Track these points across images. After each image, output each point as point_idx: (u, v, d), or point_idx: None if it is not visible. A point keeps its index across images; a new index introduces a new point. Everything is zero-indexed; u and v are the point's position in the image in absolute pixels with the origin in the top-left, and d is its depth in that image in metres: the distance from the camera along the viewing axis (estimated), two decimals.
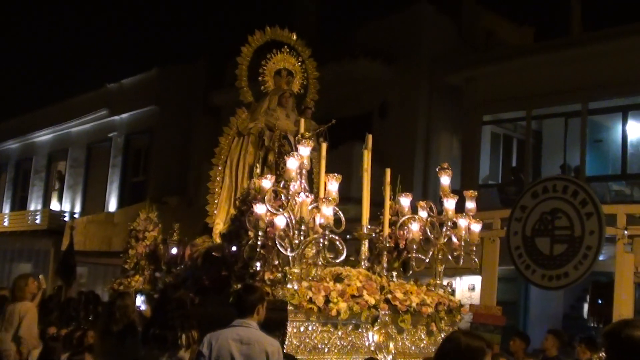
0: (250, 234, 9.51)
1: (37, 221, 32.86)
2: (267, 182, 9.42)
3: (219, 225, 11.66)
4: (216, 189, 12.10)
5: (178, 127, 29.12)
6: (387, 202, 10.52)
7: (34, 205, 36.18)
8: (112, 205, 30.82)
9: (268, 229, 9.21)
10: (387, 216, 10.46)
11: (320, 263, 9.62)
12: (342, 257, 9.51)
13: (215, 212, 11.96)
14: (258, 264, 9.63)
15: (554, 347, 12.75)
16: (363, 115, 23.67)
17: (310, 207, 9.30)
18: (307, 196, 9.14)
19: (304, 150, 9.62)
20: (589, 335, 15.57)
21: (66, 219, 31.84)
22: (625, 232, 14.50)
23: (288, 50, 12.62)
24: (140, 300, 12.54)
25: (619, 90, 20.04)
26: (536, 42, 25.31)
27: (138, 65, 31.10)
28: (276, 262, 9.60)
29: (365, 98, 23.86)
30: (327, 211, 9.17)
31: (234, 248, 9.98)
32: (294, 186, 9.35)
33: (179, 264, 11.55)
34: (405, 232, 10.34)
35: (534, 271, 14.56)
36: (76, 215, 31.95)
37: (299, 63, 12.69)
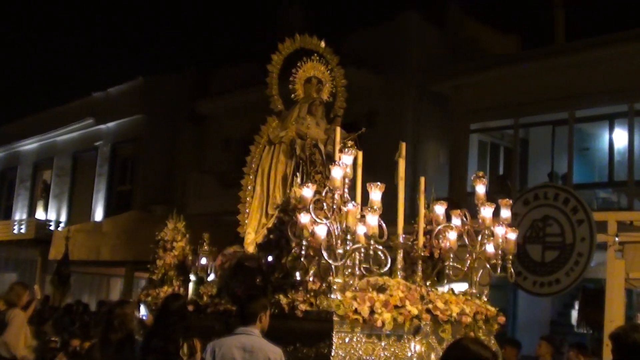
0: (292, 243, 9.01)
1: (23, 230, 32.09)
2: (308, 191, 8.99)
3: (250, 234, 11.24)
4: (247, 198, 11.61)
5: (164, 136, 28.62)
6: (422, 210, 10.19)
7: (19, 214, 35.49)
8: (99, 214, 30.22)
9: (309, 239, 8.72)
10: (421, 225, 10.09)
11: (358, 273, 9.17)
12: (387, 268, 9.08)
13: (246, 221, 11.46)
14: (297, 274, 9.17)
15: (548, 354, 12.71)
16: (350, 123, 23.23)
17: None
18: (354, 205, 8.69)
19: (347, 158, 9.20)
20: (579, 341, 15.95)
21: (52, 228, 31.04)
22: (616, 238, 14.18)
23: (318, 58, 12.09)
24: (143, 310, 12.28)
25: (606, 98, 20.01)
26: (522, 50, 25.12)
27: (124, 74, 30.41)
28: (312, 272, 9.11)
29: (352, 107, 23.38)
30: (372, 220, 8.80)
31: (270, 258, 9.50)
32: (338, 195, 8.90)
33: (208, 274, 11.06)
34: (440, 241, 9.93)
35: (525, 278, 14.31)
36: (62, 225, 31.19)
37: (328, 71, 12.17)
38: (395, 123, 22.83)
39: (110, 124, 30.80)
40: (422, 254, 10.09)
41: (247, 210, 11.59)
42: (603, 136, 21.62)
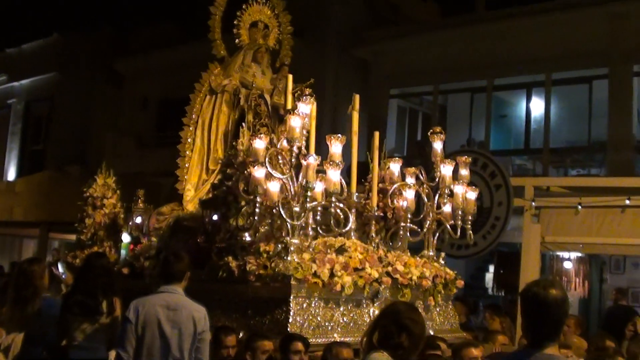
0: (242, 201, 7.72)
1: None
2: (260, 143, 7.69)
3: (190, 191, 9.83)
4: (187, 152, 10.16)
5: (80, 95, 26.73)
6: (376, 167, 9.02)
7: None
8: (11, 173, 28.20)
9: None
10: (375, 182, 8.90)
11: (311, 233, 7.94)
12: (348, 228, 7.87)
13: (185, 177, 10.01)
14: (247, 234, 7.88)
15: (462, 314, 11.98)
16: None
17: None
18: (314, 159, 7.43)
19: (305, 107, 7.90)
20: (493, 302, 15.86)
21: None
22: (533, 203, 14.00)
23: (264, 1, 10.67)
24: (61, 268, 11.30)
25: (524, 67, 19.38)
26: (442, 18, 24.26)
27: (39, 30, 28.13)
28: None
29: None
30: (334, 176, 7.57)
31: (215, 216, 8.17)
32: (297, 147, 7.62)
33: (144, 234, 9.62)
34: (394, 201, 8.75)
35: (443, 240, 13.50)
36: None
37: (274, 16, 10.77)
38: (316, 87, 21.46)
39: (24, 82, 28.61)
40: (376, 214, 8.84)
41: (186, 165, 10.13)
42: (520, 104, 21.09)
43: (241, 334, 7.52)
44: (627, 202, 13.77)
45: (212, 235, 8.34)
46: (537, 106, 20.04)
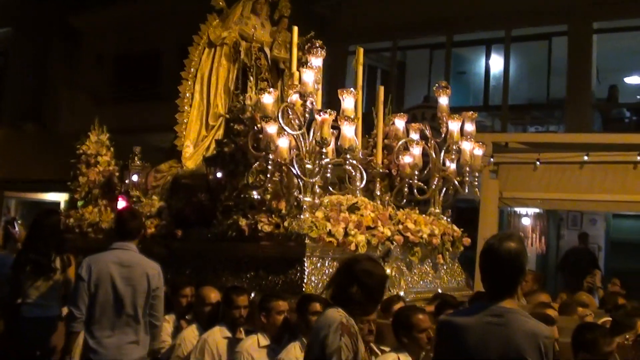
0: (251, 157, 7.23)
1: None
2: (269, 98, 7.19)
3: (189, 148, 9.23)
4: (185, 107, 9.52)
5: (35, 51, 25.51)
6: (381, 123, 8.54)
7: None
8: None
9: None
10: (380, 139, 8.45)
11: (318, 191, 7.48)
12: (362, 185, 7.42)
13: (184, 133, 9.40)
14: (255, 192, 7.38)
15: None
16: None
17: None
18: (329, 113, 6.94)
19: (317, 61, 7.38)
20: None
21: None
22: (491, 159, 14.03)
23: None
24: (17, 226, 11.11)
25: (483, 24, 18.95)
26: None
27: None
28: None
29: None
30: (349, 131, 7.08)
31: (219, 174, 7.65)
32: (311, 102, 7.11)
33: (143, 192, 9.03)
34: (399, 158, 8.33)
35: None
36: None
37: None
38: None
39: None
40: (381, 171, 8.41)
41: (185, 121, 9.51)
42: (479, 61, 20.65)
43: (253, 295, 7.10)
44: (585, 158, 13.78)
45: (216, 194, 7.80)
46: (496, 63, 19.69)
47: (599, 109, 17.51)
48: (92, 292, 6.14)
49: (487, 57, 19.92)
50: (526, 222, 17.16)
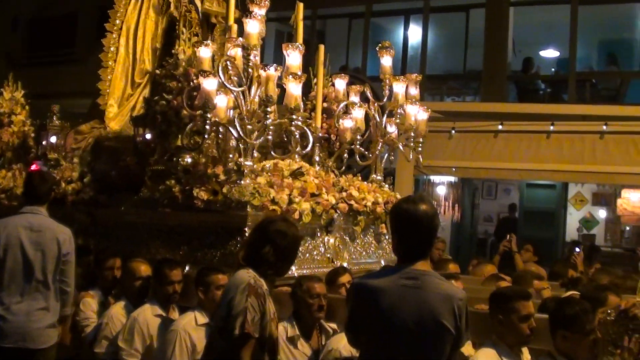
0: (185, 117, 6.31)
1: None
2: (206, 52, 6.24)
3: (113, 107, 8.18)
4: (109, 62, 8.41)
5: None
6: (321, 84, 7.69)
7: None
8: None
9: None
10: (319, 102, 7.63)
11: (256, 155, 6.62)
12: (309, 149, 6.58)
13: (107, 91, 8.31)
14: (188, 156, 6.47)
15: None
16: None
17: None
18: (275, 69, 6.05)
19: (261, 11, 6.49)
20: None
21: None
22: None
23: None
24: None
25: None
26: None
27: None
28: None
29: None
30: (295, 89, 6.22)
31: (148, 135, 6.70)
32: (255, 56, 6.22)
33: (64, 154, 7.98)
34: (341, 122, 7.53)
35: None
36: None
37: None
38: None
39: None
40: (320, 136, 7.59)
41: (109, 77, 8.40)
42: (398, 31, 20.03)
43: (187, 268, 6.27)
44: (500, 127, 13.54)
45: (144, 157, 6.86)
46: (415, 33, 19.12)
47: (515, 80, 17.21)
48: (0, 258, 5.75)
49: (406, 27, 19.41)
50: (441, 190, 16.84)
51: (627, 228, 16.71)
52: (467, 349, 5.28)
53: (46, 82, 19.70)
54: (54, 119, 8.36)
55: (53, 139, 8.24)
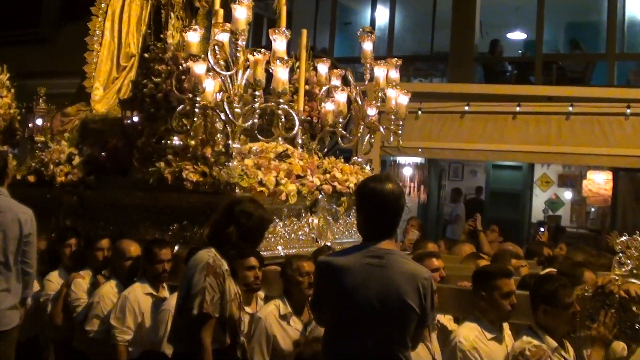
0: (173, 100, 6.45)
1: None
2: (194, 36, 6.39)
3: (99, 90, 8.24)
4: (95, 46, 8.48)
5: None
6: (303, 68, 7.84)
7: None
8: None
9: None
10: (302, 85, 7.80)
11: (241, 137, 6.78)
12: (295, 132, 6.76)
13: (93, 74, 8.38)
14: (176, 138, 6.62)
15: None
16: None
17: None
18: (263, 54, 6.22)
19: None
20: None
21: None
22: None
23: None
24: None
25: None
26: None
27: None
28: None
29: None
30: (282, 74, 6.38)
31: (136, 118, 6.83)
32: (243, 41, 6.38)
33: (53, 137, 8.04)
34: (321, 105, 7.72)
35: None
36: None
37: None
38: None
39: None
40: (303, 119, 7.78)
41: (94, 60, 8.47)
42: (365, 12, 20.18)
43: (177, 248, 6.39)
44: (466, 108, 13.66)
45: (132, 139, 6.97)
46: (382, 14, 19.20)
47: (482, 62, 17.36)
48: None
49: (373, 8, 19.40)
50: (408, 172, 17.00)
51: (592, 209, 17.00)
52: (449, 323, 5.55)
53: (11, 62, 19.48)
54: (41, 101, 8.41)
55: (39, 122, 8.30)
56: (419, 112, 14.00)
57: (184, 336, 4.40)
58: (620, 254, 5.03)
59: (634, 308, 4.71)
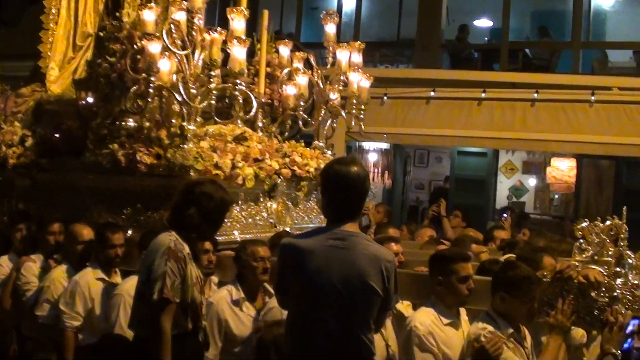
0: (128, 80, 6.27)
1: None
2: (150, 15, 6.21)
3: (54, 70, 7.99)
4: (50, 24, 8.21)
5: None
6: (264, 49, 7.66)
7: None
8: None
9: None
10: (263, 67, 7.63)
11: (199, 120, 6.61)
12: (252, 114, 6.61)
13: (49, 53, 8.12)
14: (131, 119, 6.44)
15: None
16: None
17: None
18: (219, 33, 6.06)
19: None
20: None
21: None
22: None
23: None
24: None
25: None
26: None
27: None
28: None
29: None
30: (239, 53, 6.21)
31: (90, 99, 6.64)
32: (199, 19, 6.21)
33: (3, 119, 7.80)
34: (284, 88, 7.56)
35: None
36: None
37: None
38: None
39: None
40: (263, 101, 7.61)
41: (50, 40, 8.20)
42: None
43: (130, 232, 6.24)
44: (432, 94, 13.60)
45: (87, 120, 6.77)
46: (349, 0, 18.97)
47: (448, 49, 17.30)
48: None
49: None
50: (373, 157, 16.92)
51: (556, 196, 17.03)
52: (406, 310, 5.43)
53: None
54: None
55: None
56: (385, 98, 13.82)
57: (145, 321, 4.30)
58: (581, 240, 4.91)
59: (592, 294, 4.63)
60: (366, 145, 16.64)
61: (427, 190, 18.57)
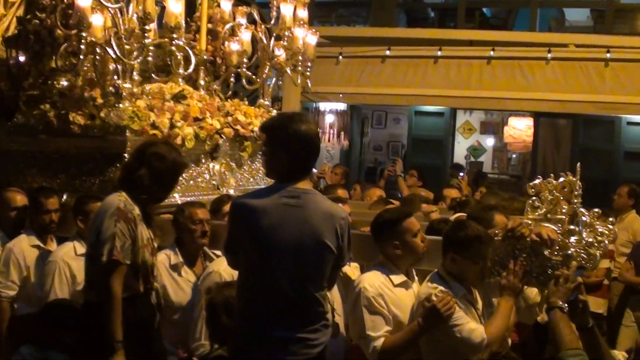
0: (60, 37, 5.97)
1: None
2: None
3: None
4: None
5: None
6: (205, 7, 7.35)
7: None
8: None
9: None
10: (204, 23, 7.34)
11: (136, 78, 6.32)
12: (190, 70, 6.33)
13: None
14: (64, 79, 6.15)
15: None
16: None
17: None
18: None
19: None
20: None
21: None
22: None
23: None
24: None
25: None
26: None
27: None
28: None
29: None
30: (176, 7, 5.94)
31: (21, 57, 6.33)
32: None
33: None
34: (227, 44, 7.28)
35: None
36: None
37: None
38: None
39: None
40: (205, 58, 7.32)
41: None
42: None
43: (65, 197, 5.98)
44: (387, 52, 13.45)
45: (18, 80, 6.46)
46: None
47: (404, 8, 17.09)
48: None
49: None
50: (330, 118, 16.75)
51: (514, 155, 17.11)
52: (353, 272, 5.25)
53: None
54: None
55: None
56: (340, 57, 13.64)
57: (95, 284, 4.20)
58: (534, 197, 4.75)
59: (546, 252, 4.49)
60: (322, 106, 16.41)
61: (385, 151, 18.43)
